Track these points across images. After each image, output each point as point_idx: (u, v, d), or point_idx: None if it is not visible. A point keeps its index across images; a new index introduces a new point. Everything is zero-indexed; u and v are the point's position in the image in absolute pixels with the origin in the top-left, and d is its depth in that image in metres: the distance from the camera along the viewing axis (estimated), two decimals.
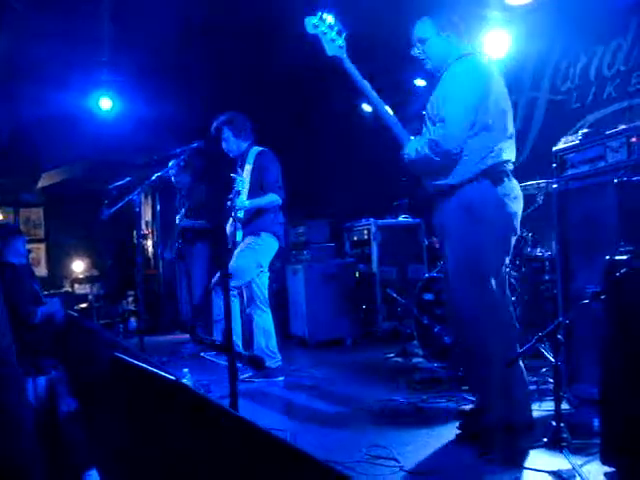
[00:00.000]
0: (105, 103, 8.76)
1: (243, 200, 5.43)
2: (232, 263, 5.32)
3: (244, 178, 5.51)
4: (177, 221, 7.40)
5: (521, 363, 3.41)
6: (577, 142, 3.90)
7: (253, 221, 5.54)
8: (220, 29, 7.38)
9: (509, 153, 3.47)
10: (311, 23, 3.63)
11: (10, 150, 8.95)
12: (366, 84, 3.62)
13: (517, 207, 3.46)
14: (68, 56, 7.58)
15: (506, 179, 3.42)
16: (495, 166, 3.39)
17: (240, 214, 5.48)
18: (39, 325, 4.88)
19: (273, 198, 5.50)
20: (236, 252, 5.47)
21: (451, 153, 3.37)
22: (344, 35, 3.63)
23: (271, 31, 7.23)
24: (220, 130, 5.65)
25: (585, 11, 5.96)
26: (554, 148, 4.04)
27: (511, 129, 3.50)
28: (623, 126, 3.61)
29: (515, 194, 3.46)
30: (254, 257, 5.49)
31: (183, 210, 7.36)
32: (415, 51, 3.66)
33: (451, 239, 3.52)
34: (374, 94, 3.61)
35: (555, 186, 3.97)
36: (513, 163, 3.50)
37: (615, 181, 3.30)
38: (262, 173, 5.57)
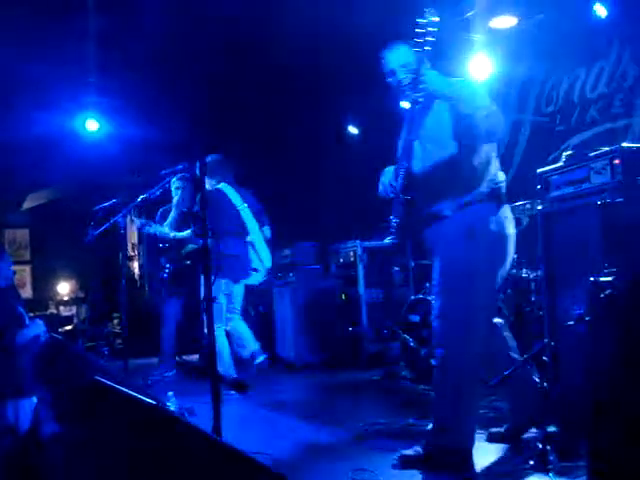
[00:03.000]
0: (91, 125, 8.76)
1: None
2: None
3: None
4: (169, 233, 6.98)
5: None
6: (561, 164, 3.92)
7: None
8: (207, 50, 7.42)
9: (502, 174, 3.56)
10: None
11: None
12: None
13: (512, 229, 3.53)
14: (54, 77, 7.59)
15: (505, 201, 3.51)
16: (497, 188, 3.47)
17: None
18: (21, 347, 4.82)
19: None
20: None
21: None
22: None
23: (255, 52, 7.28)
24: None
25: (568, 34, 6.02)
26: (539, 170, 4.05)
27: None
28: (606, 148, 3.63)
29: (511, 216, 3.54)
30: None
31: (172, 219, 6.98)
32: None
33: (447, 258, 3.52)
34: None
35: (540, 208, 3.98)
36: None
37: (599, 203, 3.31)
38: None
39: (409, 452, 3.44)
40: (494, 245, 3.42)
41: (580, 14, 5.86)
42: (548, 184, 3.98)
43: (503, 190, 3.50)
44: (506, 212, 3.49)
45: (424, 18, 3.34)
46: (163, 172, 5.95)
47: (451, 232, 3.48)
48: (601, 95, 5.90)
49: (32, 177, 10.06)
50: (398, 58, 3.64)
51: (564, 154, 3.99)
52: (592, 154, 3.69)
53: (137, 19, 6.79)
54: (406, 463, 3.38)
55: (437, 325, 3.48)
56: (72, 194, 10.89)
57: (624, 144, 3.54)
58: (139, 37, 7.04)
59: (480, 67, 6.71)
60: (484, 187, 3.43)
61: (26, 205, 11.30)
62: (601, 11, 5.66)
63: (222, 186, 6.15)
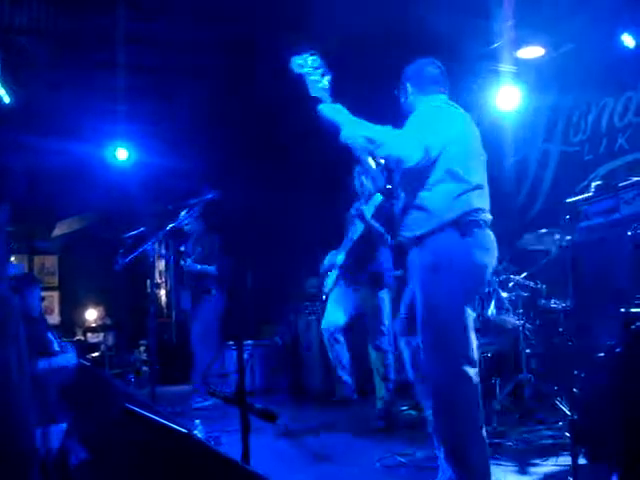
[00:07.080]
0: (121, 153, 8.85)
1: None
2: None
3: None
4: (184, 266, 7.28)
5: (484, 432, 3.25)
6: (590, 194, 3.91)
7: None
8: (238, 81, 7.49)
9: (479, 202, 3.39)
10: (296, 62, 3.68)
11: (26, 199, 9.04)
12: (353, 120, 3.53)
13: (487, 259, 3.39)
14: (85, 107, 7.71)
15: (476, 229, 3.34)
16: (463, 216, 3.32)
17: None
18: (47, 373, 4.86)
19: None
20: None
21: (403, 162, 3.33)
22: (328, 78, 3.61)
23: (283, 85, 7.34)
24: None
25: (595, 64, 6.02)
26: (568, 200, 4.04)
27: (480, 180, 3.44)
28: (636, 178, 3.61)
29: (487, 245, 3.39)
30: None
31: (192, 257, 7.27)
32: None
33: (417, 291, 3.45)
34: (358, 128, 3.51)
35: (569, 238, 3.96)
36: (484, 212, 3.42)
37: (629, 233, 3.29)
38: None
39: None
40: (456, 275, 3.30)
41: (608, 44, 5.85)
42: (577, 214, 3.97)
43: (471, 217, 3.34)
44: (477, 240, 3.34)
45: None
46: (192, 201, 6.02)
47: (418, 261, 3.44)
48: (630, 124, 5.87)
49: (61, 205, 10.18)
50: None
51: (593, 184, 3.99)
52: (621, 184, 3.68)
53: (166, 49, 6.90)
54: None
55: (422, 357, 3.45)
56: (101, 222, 11.02)
57: None
58: (169, 65, 7.16)
59: (509, 97, 6.73)
60: (449, 216, 3.33)
61: (55, 232, 11.44)
62: (629, 41, 5.65)
63: None
